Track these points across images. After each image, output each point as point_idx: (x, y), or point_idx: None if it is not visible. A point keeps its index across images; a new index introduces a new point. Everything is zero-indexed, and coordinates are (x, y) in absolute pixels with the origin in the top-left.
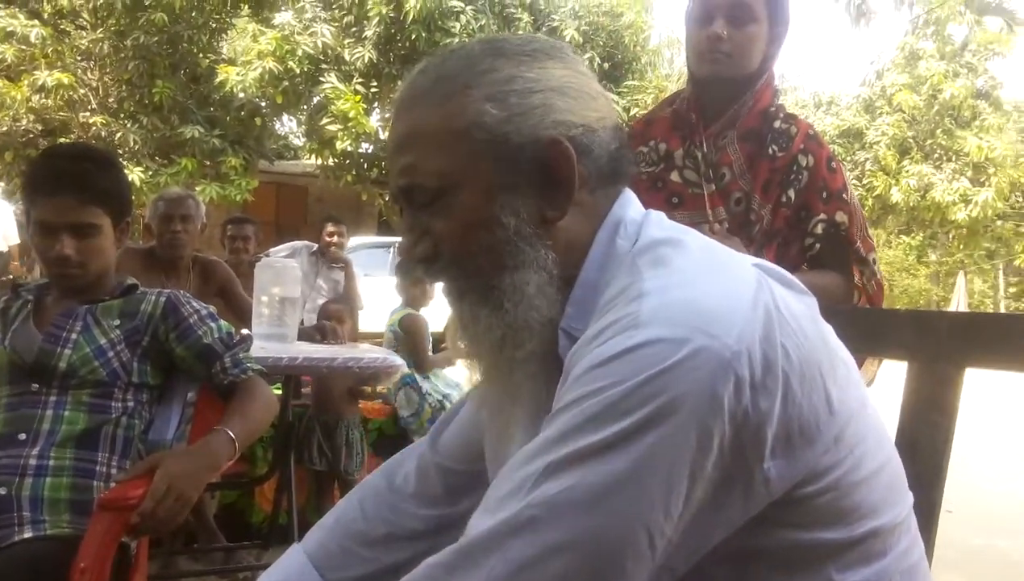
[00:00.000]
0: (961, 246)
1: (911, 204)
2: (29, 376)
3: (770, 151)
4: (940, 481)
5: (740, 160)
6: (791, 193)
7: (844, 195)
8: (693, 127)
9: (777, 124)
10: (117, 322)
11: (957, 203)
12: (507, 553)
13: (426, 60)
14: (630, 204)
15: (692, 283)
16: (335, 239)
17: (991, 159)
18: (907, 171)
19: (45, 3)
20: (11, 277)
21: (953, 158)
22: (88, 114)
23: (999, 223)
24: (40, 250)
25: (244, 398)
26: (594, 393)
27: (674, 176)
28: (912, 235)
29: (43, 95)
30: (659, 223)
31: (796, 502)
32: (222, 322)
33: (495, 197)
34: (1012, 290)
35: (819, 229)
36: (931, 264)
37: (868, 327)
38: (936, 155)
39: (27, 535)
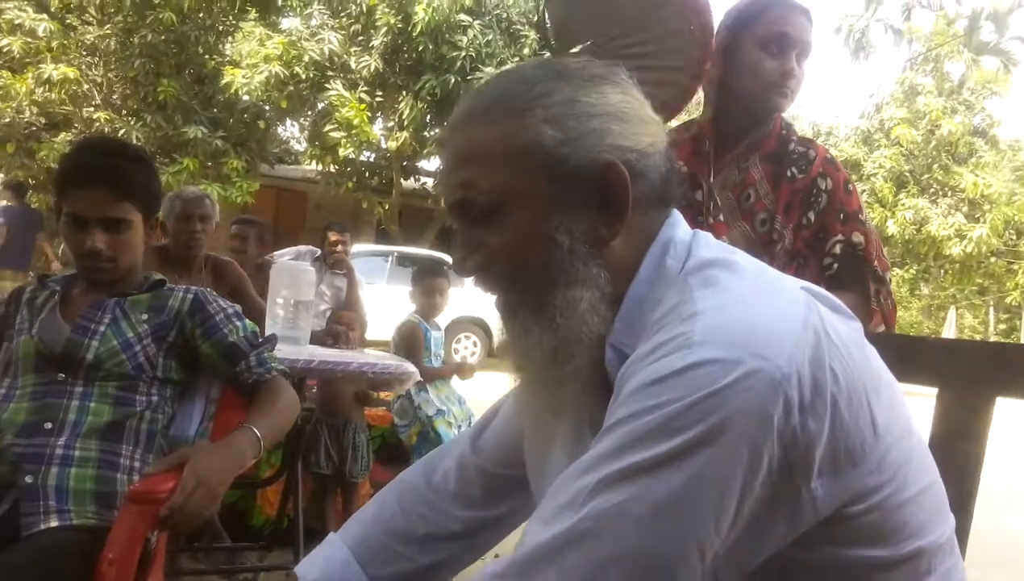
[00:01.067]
0: (954, 281)
1: (906, 237)
2: (56, 366)
3: (789, 173)
4: (970, 508)
5: (763, 180)
6: (811, 215)
7: (860, 216)
8: (705, 157)
9: (792, 147)
10: (145, 316)
11: (952, 238)
12: (563, 565)
13: (482, 83)
14: (679, 225)
15: (744, 304)
16: (339, 247)
17: (986, 196)
18: (903, 204)
19: None
20: None
21: (949, 193)
22: (92, 109)
23: (992, 259)
24: (71, 243)
25: (269, 397)
26: (648, 410)
27: (697, 195)
28: (906, 268)
29: (47, 88)
30: (708, 244)
31: (842, 521)
32: (247, 321)
33: (551, 216)
34: (1002, 326)
35: (837, 249)
36: (923, 297)
37: (899, 353)
38: (932, 190)
39: (53, 524)
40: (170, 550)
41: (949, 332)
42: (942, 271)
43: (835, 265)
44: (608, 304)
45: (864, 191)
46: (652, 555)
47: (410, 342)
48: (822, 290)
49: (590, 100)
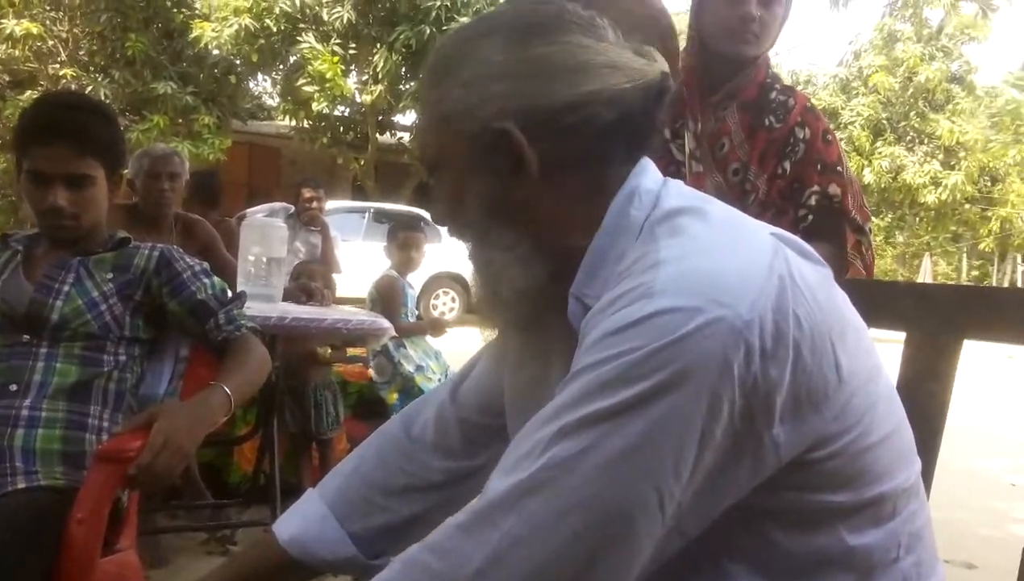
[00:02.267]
0: (929, 228)
1: (882, 185)
2: (20, 327)
3: (767, 122)
4: (935, 449)
5: (739, 130)
6: (787, 165)
7: (839, 168)
8: (685, 104)
9: (774, 95)
10: (110, 275)
11: (927, 185)
12: (523, 513)
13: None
14: (645, 173)
15: (708, 252)
16: (313, 204)
17: (962, 143)
18: (880, 152)
19: None
20: None
21: (925, 141)
22: (58, 66)
23: (967, 206)
24: (33, 201)
25: (239, 355)
26: (608, 359)
27: (666, 147)
28: (881, 216)
29: (10, 45)
30: (679, 191)
31: (805, 466)
32: (215, 279)
33: (463, 180)
34: (974, 273)
35: (812, 201)
36: (898, 245)
37: (868, 298)
38: (909, 137)
39: (20, 485)
40: (147, 508)
41: (923, 279)
42: (917, 219)
43: (809, 216)
44: (542, 261)
45: (841, 140)
46: (611, 502)
47: (389, 297)
48: (793, 236)
49: (503, 58)
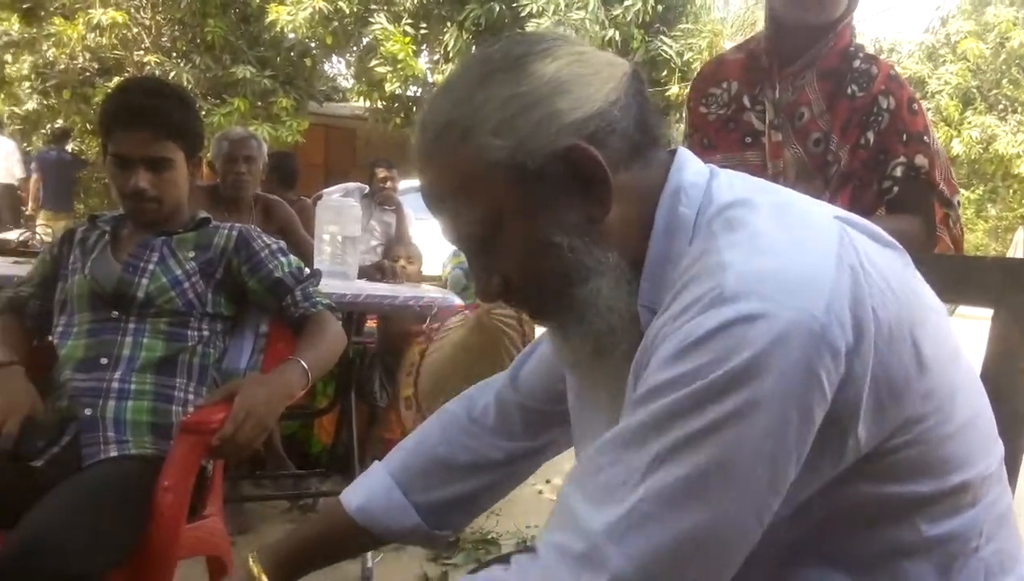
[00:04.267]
0: (1022, 201)
1: (972, 156)
2: (109, 304)
3: (849, 91)
4: (1023, 432)
5: (819, 99)
6: (870, 135)
7: (925, 138)
8: (765, 72)
9: (857, 64)
10: (192, 254)
11: (1021, 156)
12: (628, 549)
13: (423, 111)
14: (686, 167)
15: (773, 249)
16: (387, 183)
17: None
18: (970, 122)
19: None
20: (23, 209)
21: (1019, 109)
22: (142, 53)
23: None
24: (117, 183)
25: (315, 331)
26: (688, 376)
27: (745, 116)
28: (972, 189)
29: (98, 33)
30: (730, 183)
31: (883, 455)
32: (292, 257)
33: (537, 221)
34: None
35: (898, 172)
36: (990, 219)
37: (954, 273)
38: (1001, 106)
39: (112, 454)
40: (233, 477)
41: (1016, 254)
42: (1010, 191)
43: (895, 188)
44: (628, 277)
45: (928, 109)
46: (714, 527)
47: None
48: (858, 218)
49: (524, 89)
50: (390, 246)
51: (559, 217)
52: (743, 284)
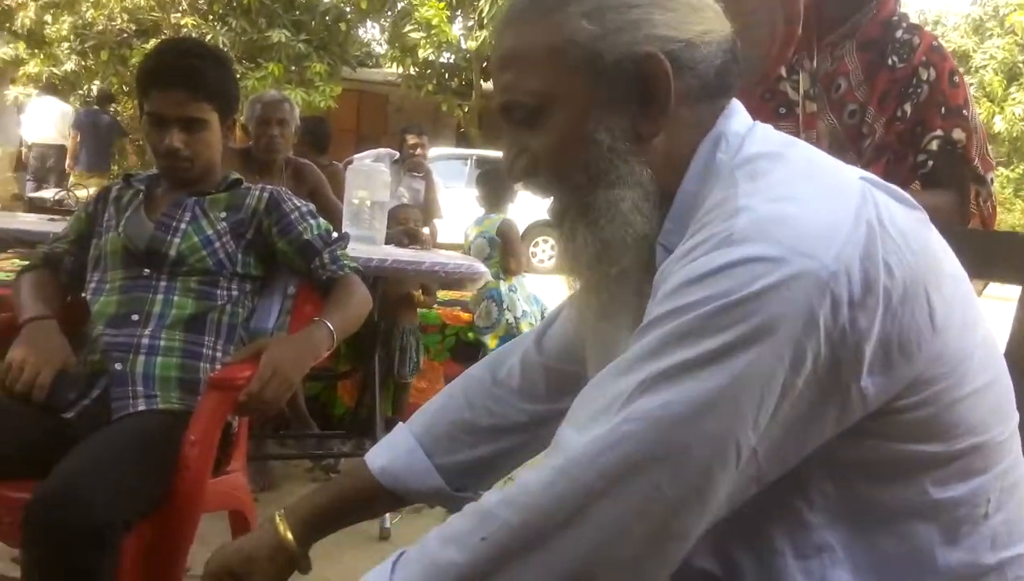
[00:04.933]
0: None
1: (1014, 134)
2: (141, 262)
3: (890, 62)
4: None
5: (858, 70)
6: (907, 107)
7: (964, 112)
8: (802, 42)
9: (899, 34)
10: (223, 214)
11: None
12: (604, 468)
13: None
14: (734, 116)
15: (791, 198)
16: (417, 150)
17: None
18: (1014, 99)
19: None
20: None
21: None
22: (179, 15)
23: None
24: (152, 142)
25: (342, 293)
26: (687, 308)
27: (780, 86)
28: (1012, 167)
29: None
30: (764, 136)
31: (893, 414)
32: (321, 220)
33: (590, 114)
34: None
35: (934, 145)
36: None
37: (982, 248)
38: None
39: (141, 408)
40: (257, 435)
41: None
42: None
43: (930, 162)
44: (655, 202)
45: (971, 84)
46: (691, 456)
47: (515, 238)
48: (883, 181)
49: None
50: (401, 209)
51: (610, 118)
52: (755, 227)
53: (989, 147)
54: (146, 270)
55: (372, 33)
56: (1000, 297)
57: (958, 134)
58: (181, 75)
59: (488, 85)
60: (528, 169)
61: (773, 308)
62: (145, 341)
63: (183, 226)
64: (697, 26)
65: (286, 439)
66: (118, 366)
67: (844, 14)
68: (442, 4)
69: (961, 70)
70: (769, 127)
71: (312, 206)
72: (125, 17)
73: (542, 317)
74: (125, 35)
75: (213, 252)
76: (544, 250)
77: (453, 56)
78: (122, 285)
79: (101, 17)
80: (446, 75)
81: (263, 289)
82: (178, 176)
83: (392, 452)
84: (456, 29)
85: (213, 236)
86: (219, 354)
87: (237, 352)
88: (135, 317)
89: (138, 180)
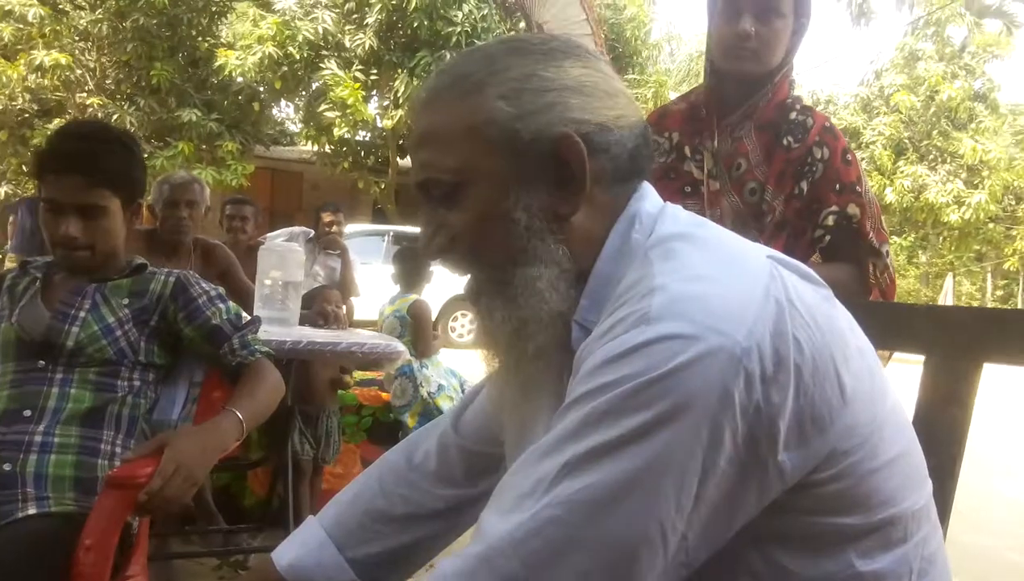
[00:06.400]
0: (952, 248)
1: (904, 205)
2: (36, 353)
3: (785, 142)
4: (954, 474)
5: (757, 150)
6: (804, 185)
7: (858, 187)
8: (704, 123)
9: (793, 116)
10: (126, 301)
11: (950, 205)
12: (528, 556)
13: (447, 60)
14: (646, 197)
15: (703, 278)
16: (333, 227)
17: (985, 161)
18: (902, 172)
19: None
20: None
21: (948, 160)
22: (85, 95)
23: (990, 226)
24: (48, 229)
25: (252, 380)
26: (607, 387)
27: (685, 166)
28: (904, 236)
29: (39, 75)
30: (675, 217)
31: (810, 487)
32: (230, 303)
33: (507, 192)
34: (999, 293)
35: (830, 221)
36: (921, 265)
37: (886, 321)
38: (931, 156)
39: (31, 511)
40: (160, 533)
41: (946, 300)
42: (940, 238)
43: (827, 237)
44: (570, 281)
45: (863, 159)
46: (614, 537)
47: (425, 319)
48: (789, 258)
49: (548, 74)
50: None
51: (528, 197)
52: (670, 307)
53: (883, 218)
54: (41, 362)
55: (286, 112)
56: (904, 360)
57: (852, 209)
58: (79, 160)
59: (404, 162)
60: (445, 246)
61: (689, 385)
62: (38, 438)
63: (82, 314)
64: (611, 111)
65: (191, 535)
66: (7, 467)
67: (742, 96)
68: (357, 84)
69: (853, 145)
70: (679, 207)
71: (221, 289)
72: (27, 97)
73: (462, 391)
74: (27, 115)
75: (114, 341)
76: (463, 324)
77: (369, 134)
78: (14, 379)
79: (1, 97)
80: (362, 152)
81: (167, 378)
82: (76, 265)
83: (301, 547)
84: (372, 108)
85: (115, 324)
86: (119, 450)
87: (137, 447)
88: (27, 413)
89: (35, 267)
